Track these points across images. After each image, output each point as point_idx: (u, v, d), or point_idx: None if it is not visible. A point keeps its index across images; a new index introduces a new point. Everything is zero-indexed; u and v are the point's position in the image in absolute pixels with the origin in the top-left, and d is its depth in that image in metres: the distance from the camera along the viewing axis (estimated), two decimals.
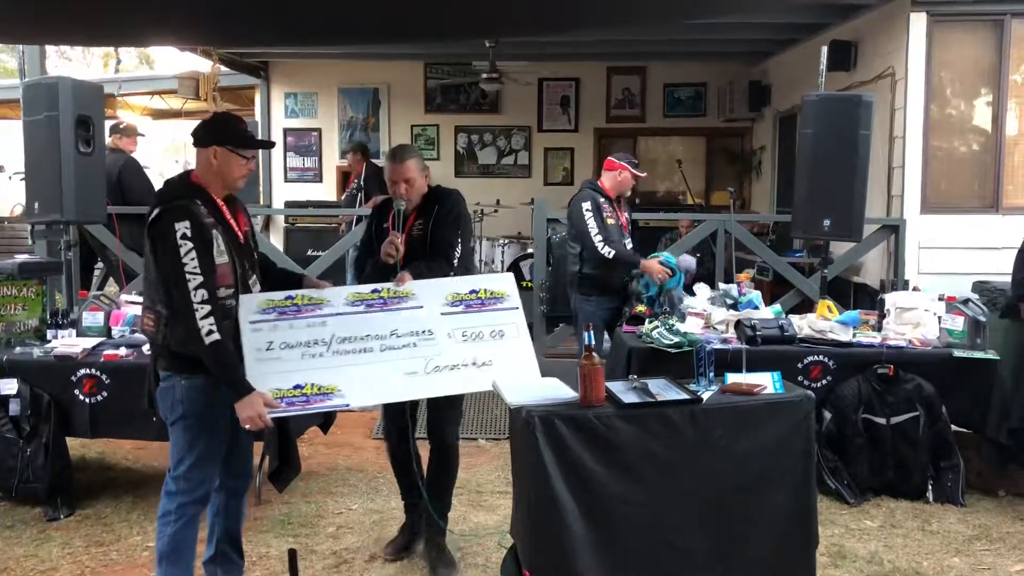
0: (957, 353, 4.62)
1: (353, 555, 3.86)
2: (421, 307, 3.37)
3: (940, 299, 4.87)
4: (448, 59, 11.00)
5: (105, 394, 4.27)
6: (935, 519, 4.32)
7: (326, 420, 4.88)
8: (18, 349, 4.44)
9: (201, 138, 3.09)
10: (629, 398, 2.71)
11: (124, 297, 5.18)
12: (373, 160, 9.74)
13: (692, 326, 4.81)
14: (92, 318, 4.70)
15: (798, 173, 5.76)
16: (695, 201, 10.56)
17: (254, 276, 3.21)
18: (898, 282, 6.17)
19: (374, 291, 3.36)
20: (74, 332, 4.63)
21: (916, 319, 4.80)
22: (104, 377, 4.27)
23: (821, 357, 4.61)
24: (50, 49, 8.87)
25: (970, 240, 6.40)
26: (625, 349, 4.71)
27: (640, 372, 3.67)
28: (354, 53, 10.51)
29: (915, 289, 5.52)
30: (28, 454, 4.25)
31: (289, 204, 10.63)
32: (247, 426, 2.94)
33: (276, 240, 10.46)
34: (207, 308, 2.84)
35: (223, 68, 9.98)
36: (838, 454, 4.58)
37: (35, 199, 5.32)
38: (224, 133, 3.09)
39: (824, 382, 4.60)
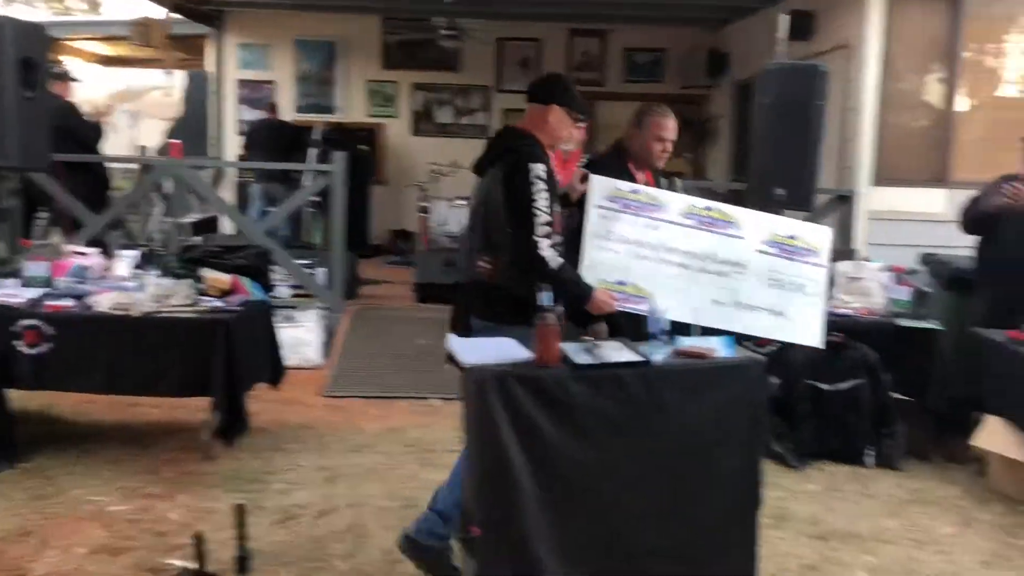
0: (901, 322, 4.73)
1: (302, 511, 3.86)
2: (742, 238, 3.37)
3: (887, 269, 4.97)
4: (406, 14, 10.83)
5: (50, 345, 4.18)
6: (873, 483, 4.45)
7: (276, 375, 4.88)
8: None
9: (542, 95, 3.25)
10: (583, 359, 2.72)
11: (69, 247, 5.06)
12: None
13: None
14: (35, 268, 4.59)
15: (754, 142, 5.81)
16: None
17: None
18: (848, 252, 6.28)
19: (707, 208, 3.39)
20: (18, 282, 4.52)
21: (864, 289, 4.89)
22: (48, 328, 4.17)
23: None
24: None
25: (919, 212, 6.53)
26: None
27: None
28: (310, 4, 10.32)
29: (864, 259, 5.62)
30: None
31: (242, 158, 10.45)
32: (604, 311, 3.20)
33: (228, 196, 10.29)
34: (549, 240, 3.04)
35: (175, 15, 9.72)
36: (784, 419, 4.68)
37: None
38: (565, 96, 3.25)
39: (772, 348, 4.67)
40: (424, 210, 8.76)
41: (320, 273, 6.95)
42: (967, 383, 4.61)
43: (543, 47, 11.12)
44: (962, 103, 6.80)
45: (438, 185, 9.41)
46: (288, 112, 11.09)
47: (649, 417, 2.77)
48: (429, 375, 5.72)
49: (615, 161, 3.80)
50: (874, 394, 4.66)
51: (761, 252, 3.37)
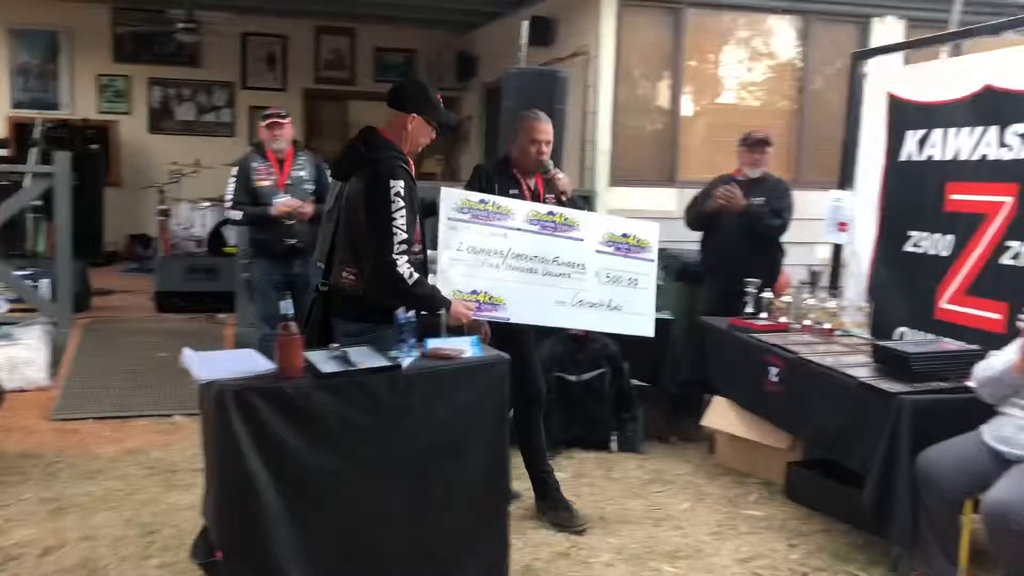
0: None
1: (23, 550, 3.49)
2: (582, 240, 3.58)
3: None
4: (139, 4, 10.14)
5: None
6: (618, 467, 4.70)
7: None
8: None
9: (403, 104, 3.21)
10: (328, 367, 2.66)
11: None
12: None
13: None
14: None
15: (501, 144, 5.94)
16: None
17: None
18: None
19: (550, 213, 3.57)
20: None
21: None
22: None
23: None
24: None
25: (652, 210, 6.97)
26: None
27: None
28: None
29: None
30: None
31: None
32: (463, 321, 3.25)
33: None
34: (405, 257, 3.04)
35: None
36: None
37: None
38: (427, 106, 3.22)
39: None
40: (164, 213, 8.24)
41: (44, 284, 6.34)
42: (696, 368, 5.01)
43: (289, 44, 10.82)
44: (687, 108, 7.36)
45: (179, 186, 8.87)
46: (4, 107, 10.06)
47: (397, 422, 2.75)
48: (171, 390, 5.38)
49: (501, 169, 3.87)
50: (615, 382, 4.94)
51: (599, 252, 3.60)
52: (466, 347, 2.97)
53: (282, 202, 5.10)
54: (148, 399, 5.42)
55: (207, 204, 8.31)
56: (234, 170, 5.34)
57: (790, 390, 4.21)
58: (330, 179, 5.47)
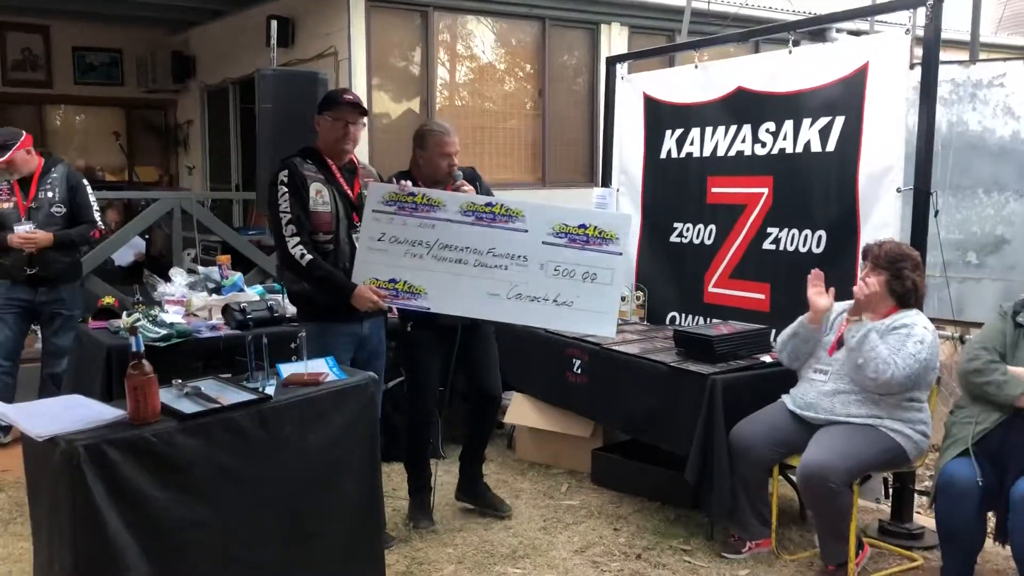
0: None
1: None
2: (526, 231, 3.41)
3: None
4: None
5: None
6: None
7: None
8: None
9: (316, 112, 3.49)
10: (188, 407, 2.35)
11: None
12: None
13: (174, 314, 4.43)
14: None
15: (259, 149, 5.62)
16: (116, 177, 9.83)
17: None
18: None
19: (488, 204, 3.43)
20: None
21: None
22: None
23: None
24: None
25: None
26: (101, 349, 4.13)
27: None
28: None
29: None
30: None
31: None
32: (368, 309, 3.33)
33: None
34: (297, 239, 3.26)
35: None
36: None
37: None
38: (323, 104, 3.48)
39: None
40: None
41: None
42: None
43: None
44: (437, 109, 7.41)
45: None
46: None
47: (267, 459, 2.52)
48: None
49: (405, 179, 3.81)
50: None
51: (546, 244, 3.43)
52: (324, 369, 2.77)
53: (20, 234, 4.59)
54: None
55: None
56: None
57: (594, 380, 4.38)
58: (91, 195, 4.90)
